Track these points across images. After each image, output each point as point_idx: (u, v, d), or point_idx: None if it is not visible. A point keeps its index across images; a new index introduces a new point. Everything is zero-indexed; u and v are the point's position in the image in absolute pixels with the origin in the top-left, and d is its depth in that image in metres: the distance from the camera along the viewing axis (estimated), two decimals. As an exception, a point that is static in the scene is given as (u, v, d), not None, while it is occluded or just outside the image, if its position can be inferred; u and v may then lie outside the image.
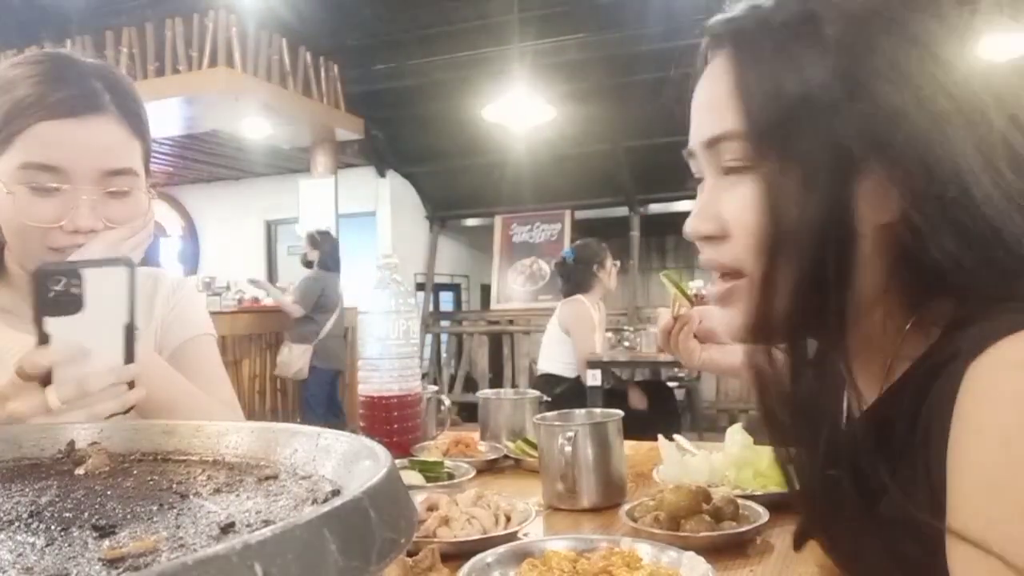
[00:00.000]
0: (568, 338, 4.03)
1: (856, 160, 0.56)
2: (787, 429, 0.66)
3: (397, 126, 7.10)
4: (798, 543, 0.72)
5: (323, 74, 5.82)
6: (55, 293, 0.71)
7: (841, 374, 0.63)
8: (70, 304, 0.71)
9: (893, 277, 0.59)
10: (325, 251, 5.23)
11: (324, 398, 5.32)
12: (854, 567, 0.68)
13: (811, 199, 0.56)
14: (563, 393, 3.88)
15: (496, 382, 7.12)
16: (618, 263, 4.18)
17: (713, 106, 0.62)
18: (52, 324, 0.72)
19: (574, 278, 4.06)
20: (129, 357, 0.76)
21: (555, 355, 4.10)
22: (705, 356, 1.18)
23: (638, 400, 4.10)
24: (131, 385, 0.78)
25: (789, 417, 0.64)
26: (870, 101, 0.55)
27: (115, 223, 0.94)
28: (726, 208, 0.61)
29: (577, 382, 4.00)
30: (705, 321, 1.17)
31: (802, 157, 0.57)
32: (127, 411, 0.79)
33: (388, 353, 1.35)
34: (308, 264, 5.26)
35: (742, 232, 0.60)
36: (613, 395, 3.93)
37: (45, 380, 0.73)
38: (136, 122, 0.98)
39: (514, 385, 6.84)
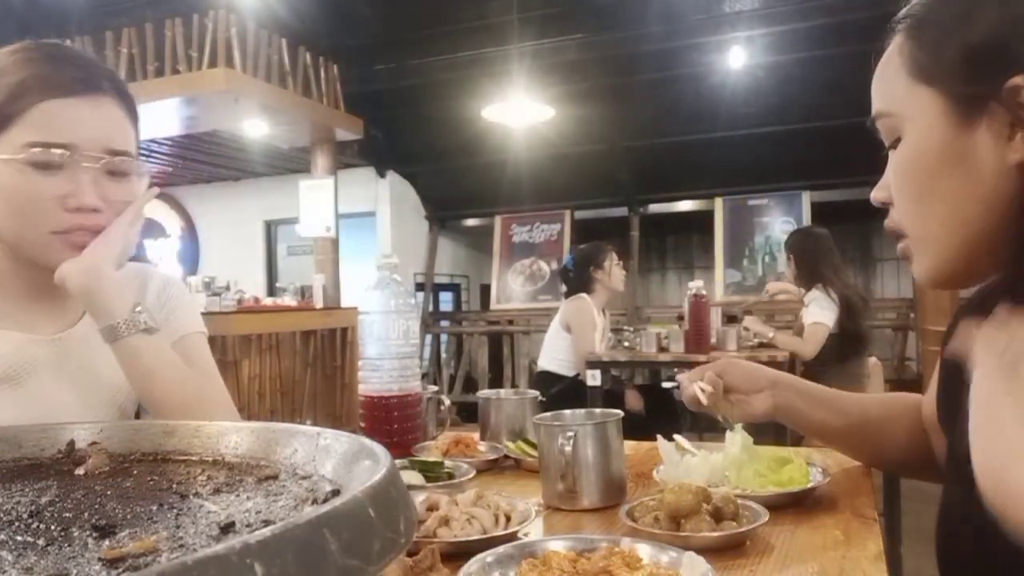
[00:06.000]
0: (568, 335, 4.05)
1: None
2: None
3: (397, 126, 7.09)
4: None
5: (323, 74, 5.81)
6: None
7: None
8: None
9: None
10: None
11: None
12: None
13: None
14: (559, 392, 3.89)
15: (496, 382, 7.11)
16: (620, 263, 4.20)
17: (875, 86, 0.75)
18: None
19: (573, 281, 4.15)
20: None
21: (553, 352, 4.12)
22: (742, 409, 1.15)
23: (635, 402, 4.10)
24: None
25: None
26: None
27: (112, 203, 0.95)
28: (889, 176, 0.74)
29: (574, 381, 4.00)
30: (726, 376, 1.14)
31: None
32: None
33: (388, 353, 1.35)
34: None
35: (896, 196, 0.73)
36: (610, 396, 3.93)
37: None
38: (131, 106, 1.01)
39: (514, 385, 6.84)
